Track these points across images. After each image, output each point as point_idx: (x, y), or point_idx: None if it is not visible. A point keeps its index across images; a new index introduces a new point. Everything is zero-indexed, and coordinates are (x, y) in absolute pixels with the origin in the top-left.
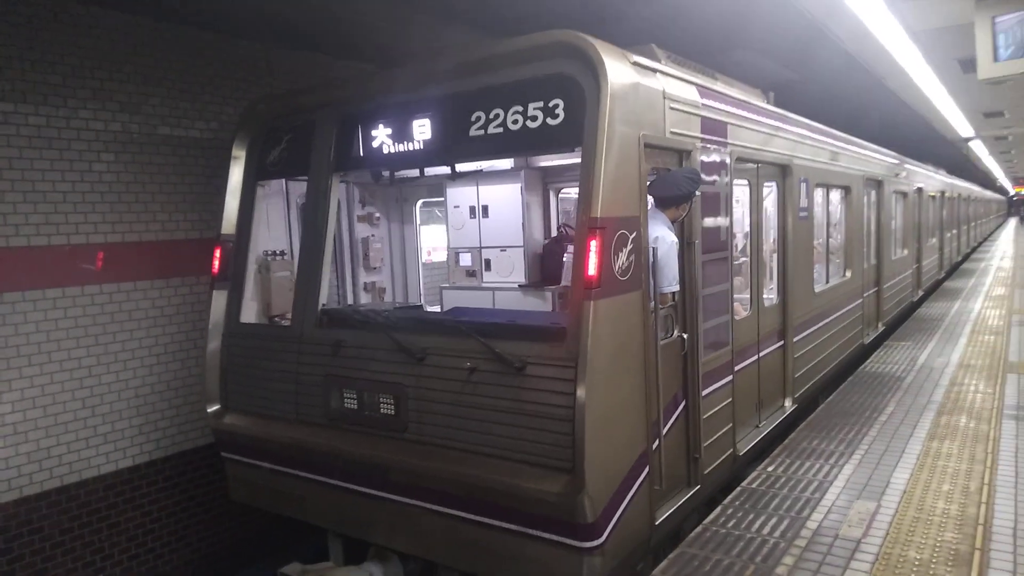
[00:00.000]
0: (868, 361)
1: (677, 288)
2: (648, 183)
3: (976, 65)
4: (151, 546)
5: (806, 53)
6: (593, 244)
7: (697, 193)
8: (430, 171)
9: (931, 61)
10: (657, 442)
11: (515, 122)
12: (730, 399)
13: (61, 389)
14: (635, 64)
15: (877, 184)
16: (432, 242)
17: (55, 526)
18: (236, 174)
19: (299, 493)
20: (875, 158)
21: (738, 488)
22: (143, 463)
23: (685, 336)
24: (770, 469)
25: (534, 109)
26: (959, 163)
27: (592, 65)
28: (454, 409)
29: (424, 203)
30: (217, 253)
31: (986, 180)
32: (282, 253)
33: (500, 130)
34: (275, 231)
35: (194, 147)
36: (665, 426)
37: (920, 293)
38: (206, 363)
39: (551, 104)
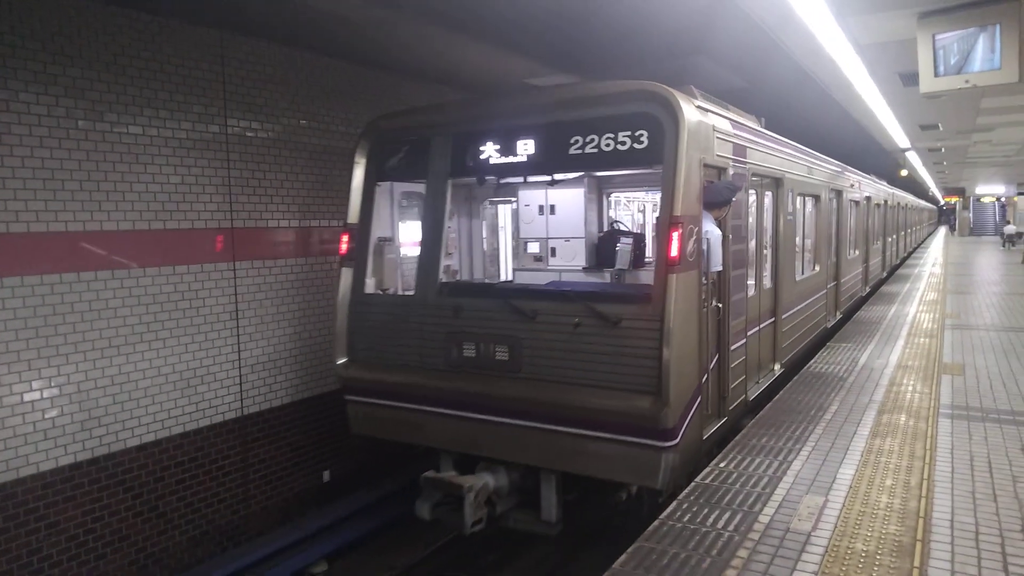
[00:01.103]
0: (812, 361)
1: (720, 269)
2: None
3: (916, 79)
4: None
5: (760, 63)
6: (674, 235)
7: (733, 199)
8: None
9: (874, 74)
10: (706, 376)
11: (607, 145)
12: (744, 357)
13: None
14: (698, 107)
15: (838, 194)
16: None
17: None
18: (359, 176)
19: (418, 423)
20: (837, 172)
21: (692, 484)
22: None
23: (720, 305)
24: (722, 465)
25: (623, 136)
26: (896, 173)
27: (672, 109)
28: (562, 354)
29: (489, 201)
30: (344, 239)
31: (919, 190)
32: (388, 239)
33: (595, 150)
34: (383, 222)
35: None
36: (708, 369)
37: (867, 290)
38: (335, 326)
39: (637, 133)
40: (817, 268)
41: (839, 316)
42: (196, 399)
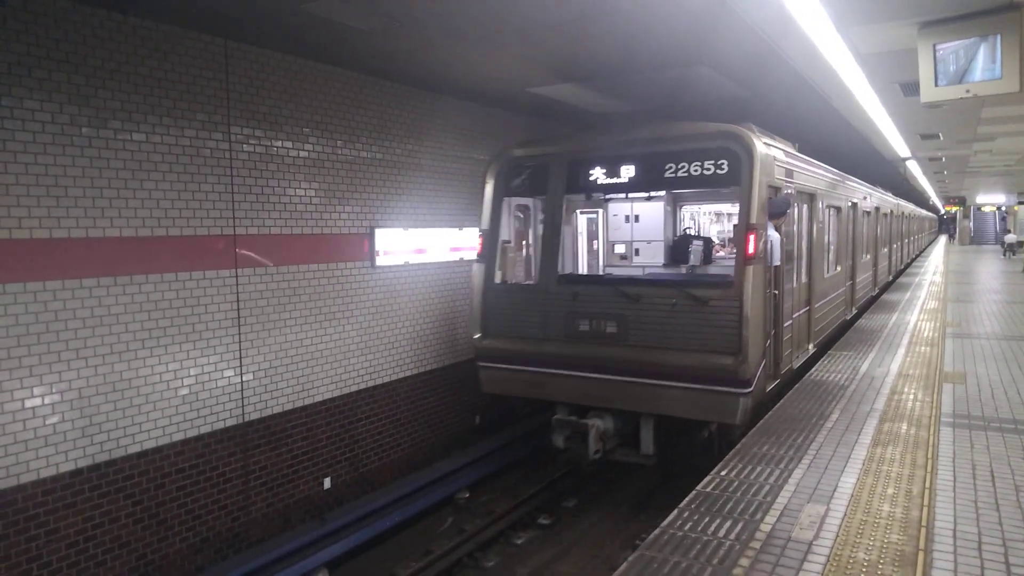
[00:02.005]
0: (813, 369)
1: (778, 264)
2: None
3: (917, 89)
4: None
5: (760, 72)
6: (751, 237)
7: (788, 210)
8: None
9: (875, 83)
10: (768, 343)
11: (695, 170)
12: (791, 335)
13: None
14: (765, 143)
15: (853, 205)
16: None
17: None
18: (489, 191)
19: (540, 382)
20: (855, 186)
21: (693, 492)
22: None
23: (777, 292)
24: (723, 473)
25: (708, 164)
26: (897, 182)
27: (747, 144)
28: (661, 327)
29: (581, 211)
30: (479, 241)
31: (920, 199)
32: (508, 241)
33: (685, 174)
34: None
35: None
36: (769, 339)
37: (876, 290)
38: (472, 309)
39: (720, 162)
40: (838, 268)
41: (854, 311)
42: (197, 405)
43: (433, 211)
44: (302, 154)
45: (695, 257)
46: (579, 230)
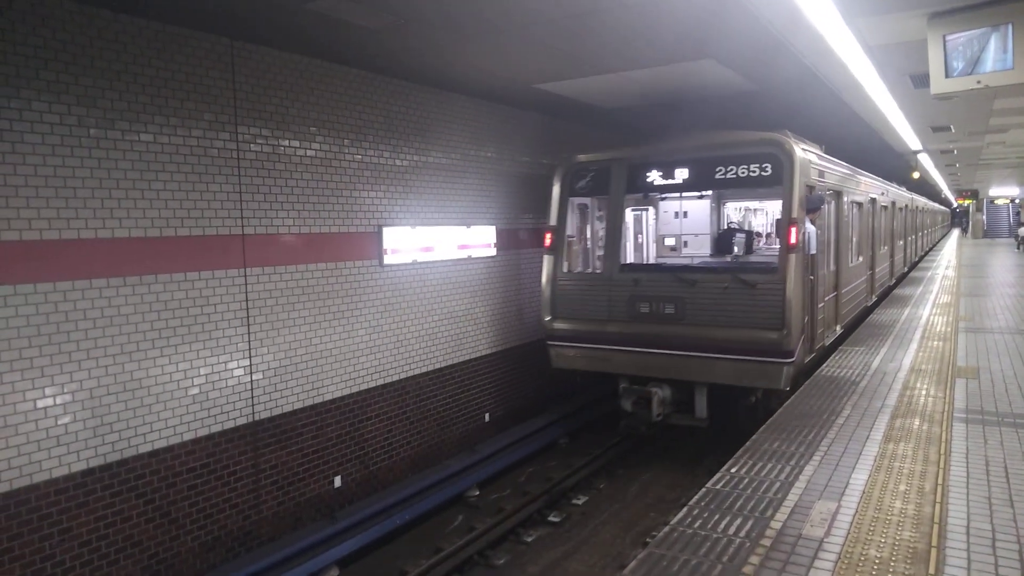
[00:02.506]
0: (824, 365)
1: (814, 253)
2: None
3: (927, 80)
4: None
5: (768, 65)
6: (793, 229)
7: (822, 206)
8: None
9: (884, 75)
10: (807, 320)
11: (743, 172)
12: (823, 316)
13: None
14: (803, 149)
15: (873, 201)
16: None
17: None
18: (556, 192)
19: (605, 357)
20: (875, 183)
21: (703, 490)
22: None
23: (812, 278)
24: (733, 470)
25: (754, 167)
26: (908, 175)
27: (789, 151)
28: (714, 308)
29: (632, 209)
30: (548, 236)
31: (932, 192)
32: (572, 236)
33: (734, 176)
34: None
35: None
36: (807, 318)
37: (893, 281)
38: (542, 295)
39: (764, 165)
40: (860, 259)
41: (874, 299)
42: (208, 404)
43: (441, 209)
44: (309, 153)
45: (739, 247)
46: (627, 225)
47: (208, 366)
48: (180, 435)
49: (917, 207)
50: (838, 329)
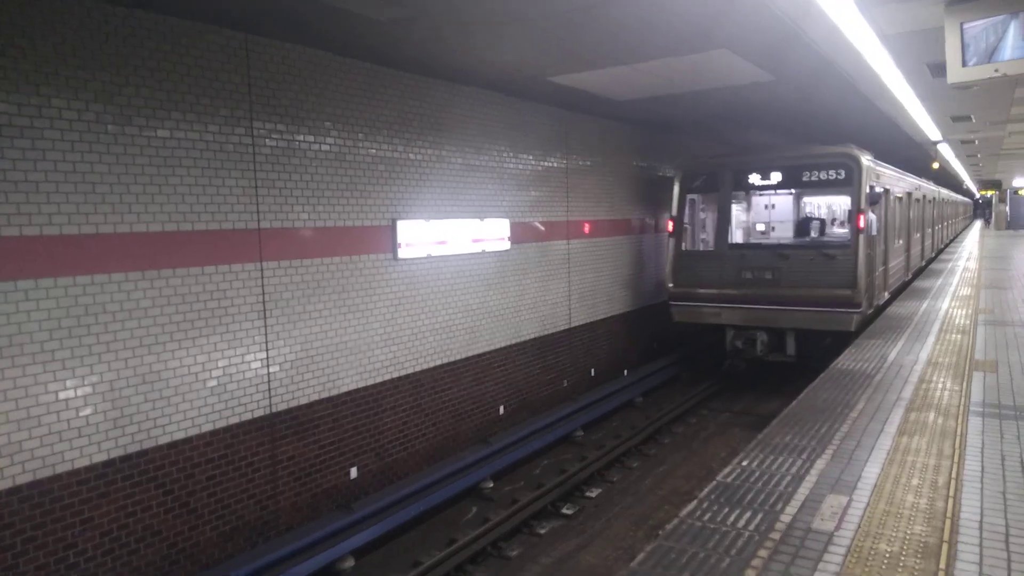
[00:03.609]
0: (840, 358)
1: (874, 234)
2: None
3: (944, 70)
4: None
5: (782, 55)
6: (861, 217)
7: (879, 201)
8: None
9: (901, 65)
10: (868, 283)
11: (823, 176)
12: (878, 282)
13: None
14: (868, 158)
15: (909, 195)
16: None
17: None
18: (676, 190)
19: (717, 312)
20: (911, 180)
21: (713, 482)
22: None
23: (870, 252)
24: (744, 464)
25: (831, 172)
26: (927, 165)
27: (858, 160)
28: (803, 273)
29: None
30: (670, 223)
31: (953, 183)
32: (687, 224)
33: (816, 179)
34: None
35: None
36: (868, 281)
37: (923, 262)
38: (667, 267)
39: (839, 171)
40: (900, 242)
41: (910, 276)
42: (225, 397)
43: (455, 202)
44: (324, 147)
45: (814, 231)
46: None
47: (226, 359)
48: (199, 427)
49: (943, 199)
50: (886, 295)
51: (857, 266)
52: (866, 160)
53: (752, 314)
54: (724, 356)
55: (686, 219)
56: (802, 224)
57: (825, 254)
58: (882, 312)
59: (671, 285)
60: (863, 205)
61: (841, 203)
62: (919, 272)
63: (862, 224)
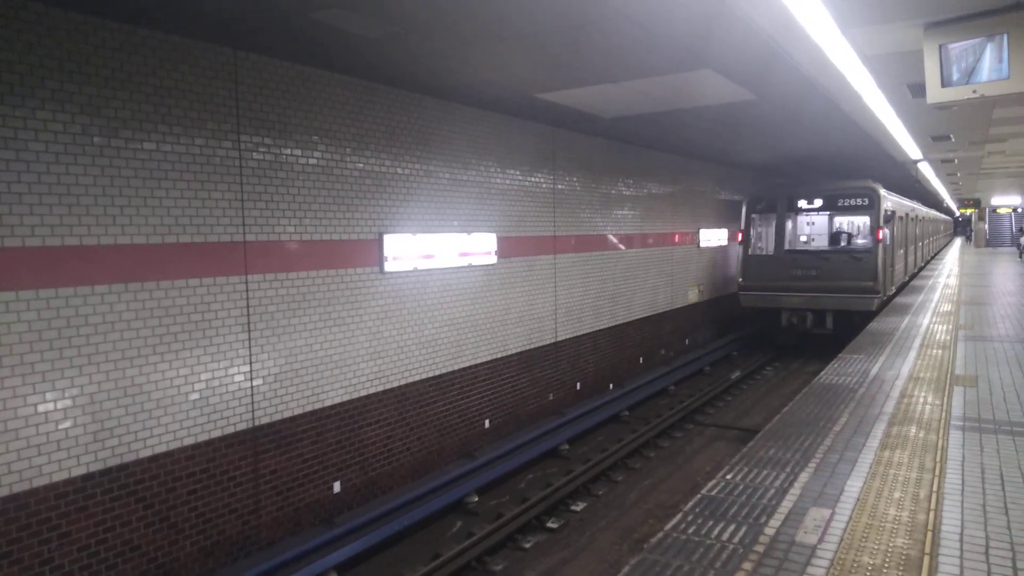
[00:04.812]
0: (823, 373)
1: (888, 244)
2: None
3: (924, 90)
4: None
5: (765, 75)
6: (880, 231)
7: (892, 220)
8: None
9: (882, 85)
10: (883, 277)
11: (853, 202)
12: (889, 279)
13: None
14: (884, 189)
15: (906, 215)
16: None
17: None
18: (744, 210)
19: (776, 298)
20: (909, 204)
21: (698, 496)
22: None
23: (885, 256)
24: (728, 477)
25: (859, 200)
26: (909, 184)
27: (877, 191)
28: (839, 270)
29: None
30: (739, 235)
31: (934, 201)
32: (750, 237)
33: (847, 204)
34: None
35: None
36: (883, 277)
37: (916, 269)
38: (740, 268)
39: (864, 199)
40: (901, 251)
41: (906, 278)
42: (208, 410)
43: (442, 217)
44: (311, 161)
45: (844, 242)
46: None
47: (209, 372)
48: (180, 440)
49: (930, 218)
50: (893, 288)
51: (877, 265)
52: (882, 191)
53: (801, 300)
54: (779, 333)
55: (751, 234)
56: (835, 236)
57: (854, 257)
58: (890, 301)
59: (741, 280)
60: (881, 223)
61: (862, 221)
62: (913, 276)
63: (880, 236)
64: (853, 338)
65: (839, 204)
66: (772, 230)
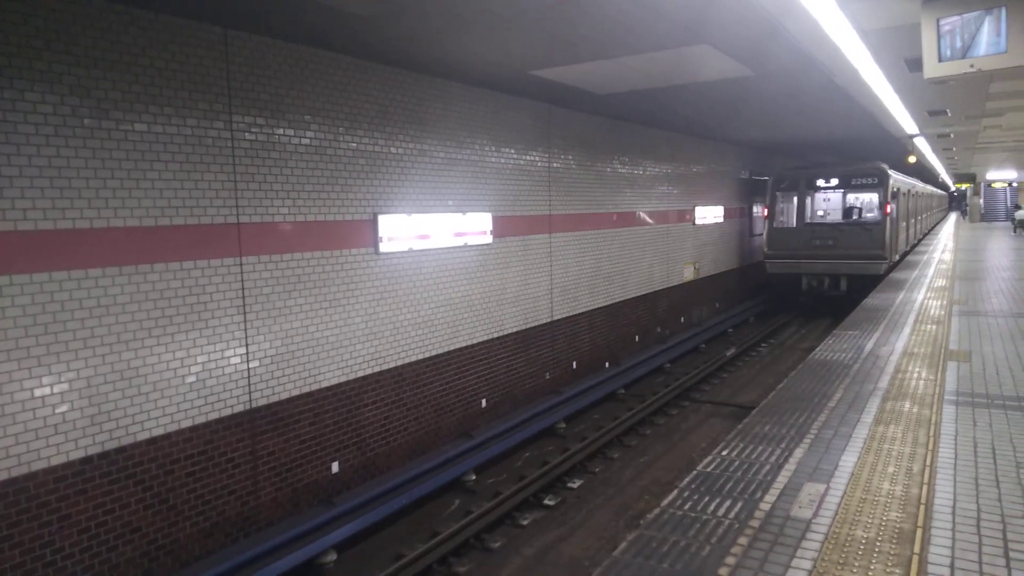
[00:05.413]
0: (818, 349)
1: (895, 217)
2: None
3: (921, 65)
4: None
5: (763, 50)
6: (888, 206)
7: (898, 195)
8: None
9: (879, 60)
10: (890, 244)
11: (865, 181)
12: (895, 246)
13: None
14: (891, 169)
15: (907, 191)
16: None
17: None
18: (769, 188)
19: (797, 265)
20: (910, 181)
21: (694, 472)
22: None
23: (891, 228)
24: (724, 453)
25: (869, 180)
26: (904, 159)
27: (886, 171)
28: (852, 239)
29: (796, 196)
30: (764, 211)
31: (929, 176)
32: (777, 212)
33: (859, 182)
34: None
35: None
36: (889, 244)
37: (917, 239)
38: (764, 237)
39: (874, 178)
40: (904, 224)
41: (908, 247)
42: (205, 392)
43: (437, 197)
44: (304, 141)
45: (856, 215)
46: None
47: (205, 354)
48: (178, 423)
49: (928, 194)
50: (896, 257)
51: (885, 235)
52: (890, 171)
53: (819, 266)
54: (799, 295)
55: (776, 209)
56: (848, 210)
57: (866, 228)
58: (895, 267)
59: (766, 250)
60: (889, 199)
61: (873, 197)
62: (913, 246)
63: (888, 211)
64: (864, 297)
65: (852, 183)
66: (793, 206)
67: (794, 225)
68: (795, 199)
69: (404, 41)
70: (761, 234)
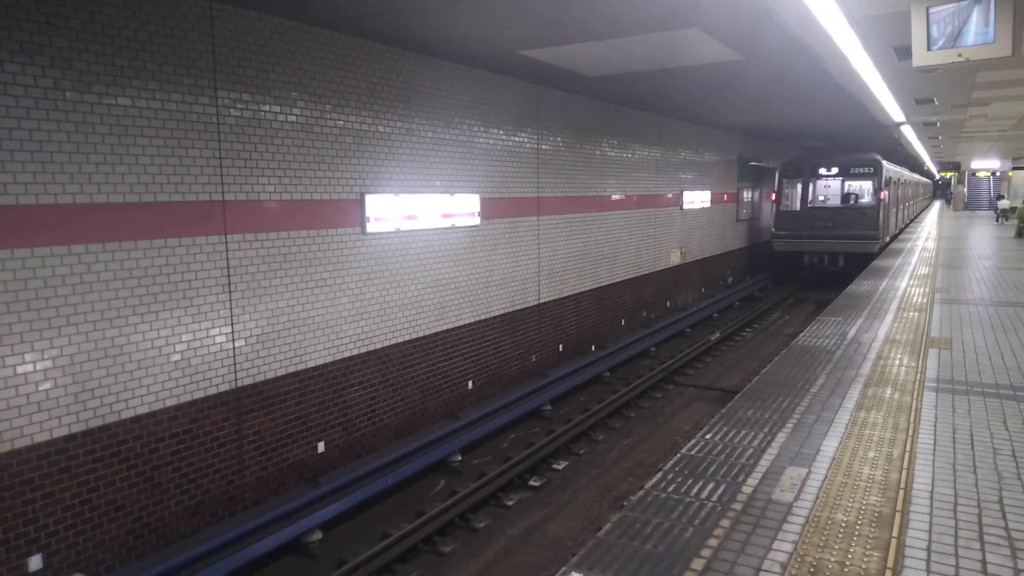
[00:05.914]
0: (801, 335)
1: (887, 202)
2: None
3: (910, 53)
4: None
5: (753, 35)
6: (882, 192)
7: (890, 183)
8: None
9: (869, 47)
10: (884, 226)
11: (862, 170)
12: (886, 228)
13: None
14: (885, 160)
15: (898, 180)
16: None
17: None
18: (778, 176)
19: (800, 243)
20: (899, 171)
21: (677, 455)
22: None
23: (884, 212)
24: (708, 437)
25: (866, 169)
26: (891, 147)
27: (880, 162)
28: (849, 221)
29: (799, 183)
30: (772, 195)
31: (915, 164)
32: (784, 197)
33: (858, 171)
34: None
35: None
36: (882, 226)
37: (906, 222)
38: (772, 220)
39: (871, 168)
40: (894, 209)
41: (897, 231)
42: (190, 371)
43: (424, 177)
44: (290, 118)
45: (853, 200)
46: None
47: (190, 333)
48: (163, 401)
49: (914, 182)
50: (887, 239)
51: (879, 218)
52: (884, 161)
53: (820, 245)
54: (801, 270)
55: (782, 194)
56: (846, 196)
57: (861, 212)
58: (886, 247)
59: (774, 229)
60: (882, 186)
61: (867, 185)
62: (901, 230)
63: (882, 196)
64: (859, 273)
65: (850, 171)
66: (797, 192)
67: (798, 208)
68: (799, 185)
69: (392, 17)
70: (748, 219)
